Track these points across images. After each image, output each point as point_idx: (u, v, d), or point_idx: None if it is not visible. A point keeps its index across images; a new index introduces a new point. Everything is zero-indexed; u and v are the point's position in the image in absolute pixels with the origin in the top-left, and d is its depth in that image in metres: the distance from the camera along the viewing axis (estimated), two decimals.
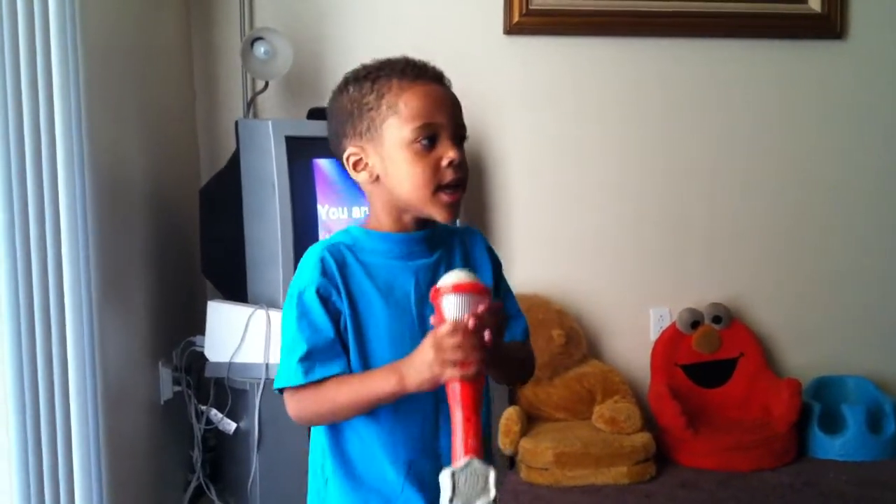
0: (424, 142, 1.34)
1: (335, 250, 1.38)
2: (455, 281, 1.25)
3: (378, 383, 1.28)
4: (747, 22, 3.62)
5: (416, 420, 1.37)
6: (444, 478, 1.18)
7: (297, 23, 3.40)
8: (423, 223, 1.41)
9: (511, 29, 3.51)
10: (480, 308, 1.24)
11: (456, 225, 1.49)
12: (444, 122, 1.35)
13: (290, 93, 3.41)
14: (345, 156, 1.41)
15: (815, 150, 3.73)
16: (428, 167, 1.34)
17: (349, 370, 1.34)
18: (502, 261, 1.59)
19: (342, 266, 1.36)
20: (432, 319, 1.27)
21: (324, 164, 2.80)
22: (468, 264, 1.44)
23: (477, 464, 1.19)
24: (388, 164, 1.36)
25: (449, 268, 1.38)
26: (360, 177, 1.40)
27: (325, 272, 1.35)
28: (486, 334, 1.22)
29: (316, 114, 3.01)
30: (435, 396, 1.32)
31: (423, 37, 3.46)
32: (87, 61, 1.93)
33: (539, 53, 3.57)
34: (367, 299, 1.36)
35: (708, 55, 3.64)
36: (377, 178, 1.38)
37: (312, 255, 1.38)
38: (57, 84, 1.79)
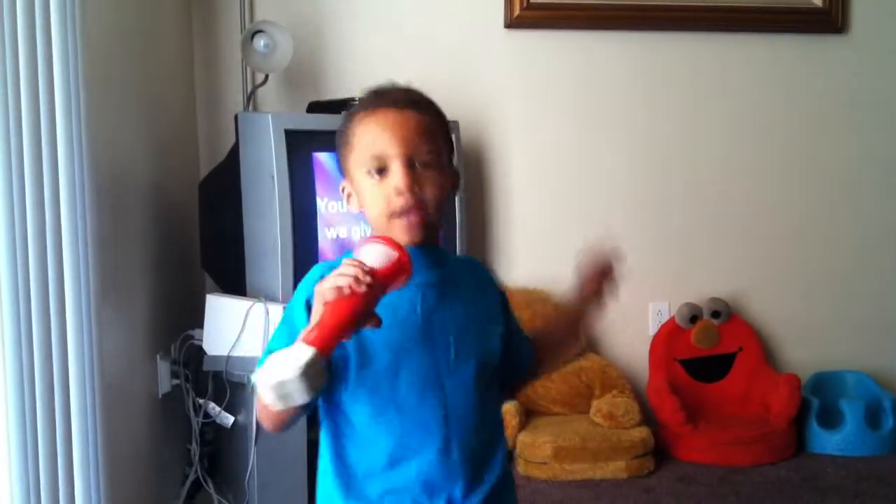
0: (374, 173, 1.37)
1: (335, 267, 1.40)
2: (380, 238, 1.28)
3: None
4: (748, 16, 3.61)
5: (425, 436, 1.38)
6: (268, 358, 1.15)
7: (297, 16, 3.39)
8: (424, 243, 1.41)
9: (512, 23, 3.51)
10: (388, 263, 1.24)
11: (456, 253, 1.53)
12: (393, 151, 1.35)
13: (290, 86, 3.41)
14: (340, 191, 1.48)
15: (816, 144, 3.73)
16: (379, 197, 1.36)
17: None
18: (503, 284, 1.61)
19: None
20: None
21: (323, 158, 2.80)
22: (479, 291, 1.48)
23: (299, 345, 1.13)
24: (361, 196, 1.41)
25: (457, 286, 1.43)
26: (352, 208, 1.45)
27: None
28: (367, 278, 1.20)
29: (316, 107, 3.01)
30: (445, 410, 1.36)
31: (424, 30, 3.47)
32: (88, 54, 1.92)
33: (540, 47, 3.57)
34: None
35: (709, 49, 3.64)
36: (361, 209, 1.43)
37: (312, 272, 1.41)
38: (57, 75, 1.79)
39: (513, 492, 1.54)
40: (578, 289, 1.58)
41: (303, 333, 1.17)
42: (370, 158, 1.36)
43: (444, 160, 1.41)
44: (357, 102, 1.45)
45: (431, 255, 1.42)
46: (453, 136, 1.52)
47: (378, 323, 1.23)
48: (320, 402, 1.39)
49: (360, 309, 1.20)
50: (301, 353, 1.12)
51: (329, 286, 1.20)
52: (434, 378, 1.37)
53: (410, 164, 1.35)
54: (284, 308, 1.42)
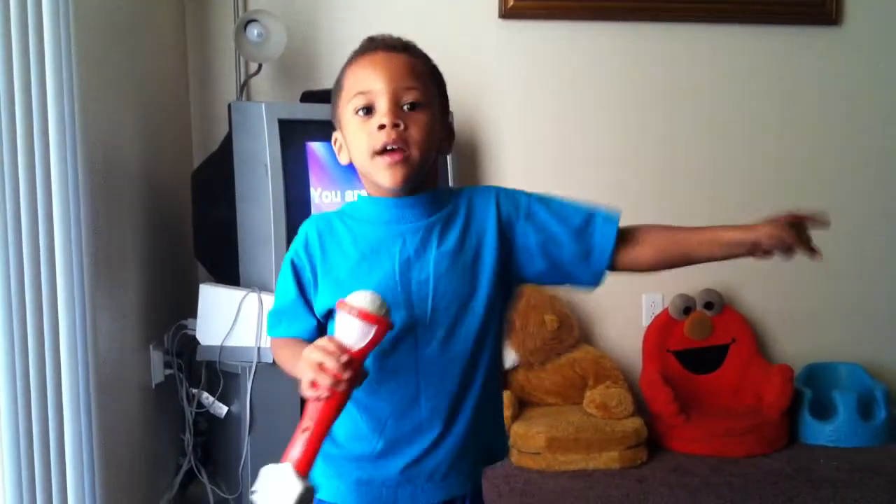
0: (360, 112, 1.36)
1: (323, 222, 1.43)
2: (360, 303, 1.23)
3: (295, 363, 1.28)
4: (743, 7, 3.62)
5: (396, 387, 1.38)
6: (263, 470, 1.20)
7: (290, 5, 3.39)
8: (417, 191, 1.40)
9: (506, 13, 3.50)
10: (364, 343, 1.22)
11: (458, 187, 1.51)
12: (379, 87, 1.35)
13: (284, 76, 3.40)
14: (332, 143, 1.47)
15: (810, 135, 3.73)
16: (363, 135, 1.36)
17: (310, 336, 1.39)
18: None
19: (325, 236, 1.41)
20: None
21: (317, 148, 2.79)
22: (470, 229, 1.41)
23: (290, 474, 1.19)
24: (347, 140, 1.41)
25: (445, 231, 1.39)
26: (342, 160, 1.44)
27: (305, 245, 1.42)
28: (346, 373, 1.20)
29: (309, 97, 3.00)
30: (416, 366, 1.36)
31: (418, 20, 3.46)
32: (80, 43, 1.91)
33: (534, 38, 3.56)
34: (349, 264, 1.38)
35: (704, 40, 3.64)
36: (350, 159, 1.42)
37: (302, 227, 1.44)
38: (49, 65, 1.78)
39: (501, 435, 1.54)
40: (761, 231, 1.47)
41: (291, 447, 1.21)
42: (357, 95, 1.36)
43: (433, 103, 1.40)
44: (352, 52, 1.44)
45: (421, 203, 1.39)
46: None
47: (364, 377, 1.25)
48: None
49: (344, 402, 1.23)
50: (291, 488, 1.18)
51: (308, 391, 1.21)
52: (409, 336, 1.36)
53: (396, 102, 1.35)
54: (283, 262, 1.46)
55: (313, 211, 2.78)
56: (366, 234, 1.40)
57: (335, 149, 1.46)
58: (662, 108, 3.65)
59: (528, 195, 1.47)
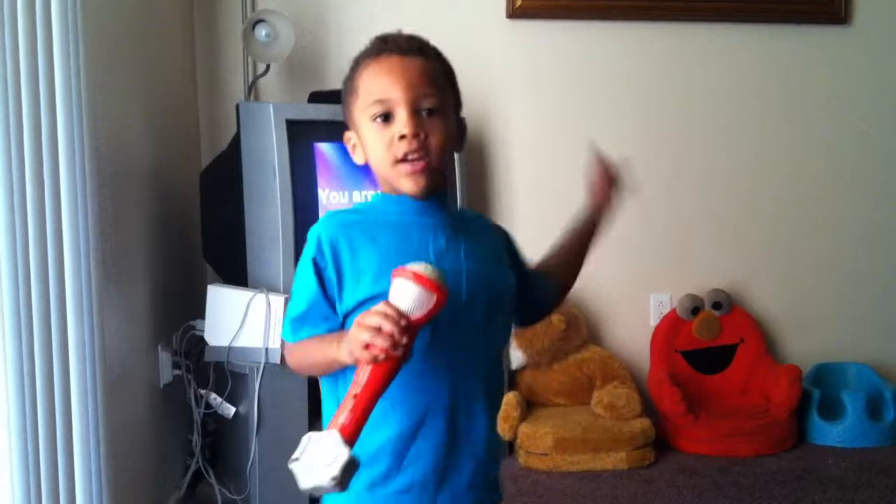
0: (379, 119, 1.36)
1: (341, 218, 1.42)
2: (417, 269, 1.21)
3: (330, 347, 1.28)
4: (752, 7, 3.61)
5: (429, 383, 1.35)
6: (306, 437, 1.15)
7: (298, 5, 3.39)
8: (434, 193, 1.40)
9: (514, 12, 3.50)
10: (423, 312, 1.20)
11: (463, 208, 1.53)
12: (398, 95, 1.35)
13: (292, 76, 3.40)
14: (346, 141, 1.46)
15: (819, 135, 3.72)
16: (383, 143, 1.35)
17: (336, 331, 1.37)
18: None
19: (350, 232, 1.38)
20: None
21: (325, 148, 2.79)
22: (491, 237, 1.49)
23: (335, 440, 1.13)
24: (364, 145, 1.40)
25: (469, 230, 1.44)
26: (357, 160, 1.44)
27: (329, 243, 1.37)
28: (404, 337, 1.18)
29: (317, 97, 3.00)
30: (449, 361, 1.35)
31: (426, 20, 3.43)
32: (89, 43, 1.92)
33: (542, 37, 3.56)
34: (381, 257, 1.36)
35: (713, 40, 3.63)
36: (366, 160, 1.42)
37: (316, 227, 1.40)
38: (58, 65, 1.78)
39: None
40: (589, 199, 1.65)
41: (339, 414, 1.17)
42: (375, 103, 1.36)
43: (449, 108, 1.41)
44: (362, 51, 1.43)
45: (442, 204, 1.42)
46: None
47: (411, 356, 1.22)
48: None
49: (396, 370, 1.19)
50: (337, 454, 1.13)
51: (361, 351, 1.18)
52: (446, 328, 1.33)
53: (415, 110, 1.35)
54: (298, 261, 1.41)
55: (321, 212, 2.78)
56: (393, 227, 1.39)
57: (349, 147, 1.45)
58: (670, 107, 3.64)
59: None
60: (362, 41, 1.45)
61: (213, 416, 2.89)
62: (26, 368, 1.68)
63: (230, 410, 2.78)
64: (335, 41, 3.41)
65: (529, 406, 3.36)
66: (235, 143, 2.84)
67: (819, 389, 3.47)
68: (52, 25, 1.77)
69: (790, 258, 3.74)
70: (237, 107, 2.88)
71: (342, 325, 1.37)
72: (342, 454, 1.12)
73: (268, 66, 3.31)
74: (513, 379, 3.42)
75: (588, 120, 3.60)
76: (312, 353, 1.37)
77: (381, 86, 1.36)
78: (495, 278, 1.44)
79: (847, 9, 3.64)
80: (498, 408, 1.49)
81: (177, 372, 2.83)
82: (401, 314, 1.18)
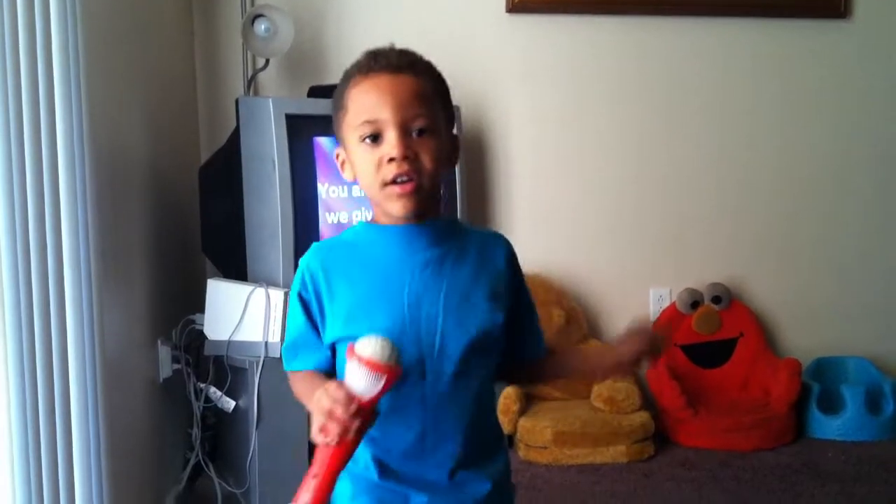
0: (368, 140, 1.33)
1: (325, 253, 1.42)
2: (369, 353, 1.21)
3: (310, 399, 1.26)
4: (751, 1, 3.60)
5: (402, 422, 1.37)
6: None
7: (298, 0, 3.38)
8: (425, 215, 1.38)
9: (513, 7, 3.50)
10: (373, 393, 1.21)
11: (473, 225, 1.51)
12: (387, 116, 1.31)
13: (291, 71, 3.40)
14: (335, 157, 1.45)
15: (818, 129, 3.72)
16: (373, 165, 1.32)
17: (326, 366, 1.41)
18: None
19: (330, 267, 1.39)
20: None
21: (324, 143, 2.79)
22: (483, 268, 1.41)
23: None
24: (353, 164, 1.38)
25: (457, 263, 1.38)
26: (346, 176, 1.42)
27: (311, 278, 1.39)
28: (355, 422, 1.19)
29: (316, 92, 3.00)
30: (423, 401, 1.35)
31: (426, 15, 3.45)
32: (87, 38, 1.91)
33: (542, 32, 3.55)
34: (357, 297, 1.36)
35: (711, 34, 3.63)
36: (355, 177, 1.39)
37: (304, 259, 1.41)
38: (56, 59, 1.78)
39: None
40: (613, 356, 1.49)
41: (300, 495, 1.20)
42: (364, 124, 1.32)
43: (440, 126, 1.36)
44: (353, 64, 1.39)
45: (430, 233, 1.38)
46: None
47: (375, 419, 1.24)
48: None
49: (353, 449, 1.23)
50: None
51: (316, 434, 1.20)
52: (417, 370, 1.34)
53: (405, 131, 1.31)
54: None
55: (321, 206, 2.79)
56: (373, 264, 1.38)
57: (338, 164, 1.43)
58: (669, 101, 3.64)
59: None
60: (362, 36, 1.45)
61: (212, 410, 2.89)
62: (26, 363, 1.68)
63: (230, 404, 2.78)
64: (334, 36, 3.40)
65: (529, 400, 3.36)
66: (235, 137, 2.84)
67: (819, 383, 3.47)
68: (51, 21, 1.77)
69: (790, 252, 3.74)
70: (236, 101, 2.87)
71: (333, 354, 1.40)
72: None
73: (267, 61, 3.31)
74: None
75: (587, 113, 3.60)
76: (300, 394, 1.41)
77: (370, 106, 1.32)
78: (477, 319, 1.37)
79: (846, 2, 3.63)
80: (486, 436, 1.48)
81: (176, 366, 2.83)
82: (351, 398, 1.19)
